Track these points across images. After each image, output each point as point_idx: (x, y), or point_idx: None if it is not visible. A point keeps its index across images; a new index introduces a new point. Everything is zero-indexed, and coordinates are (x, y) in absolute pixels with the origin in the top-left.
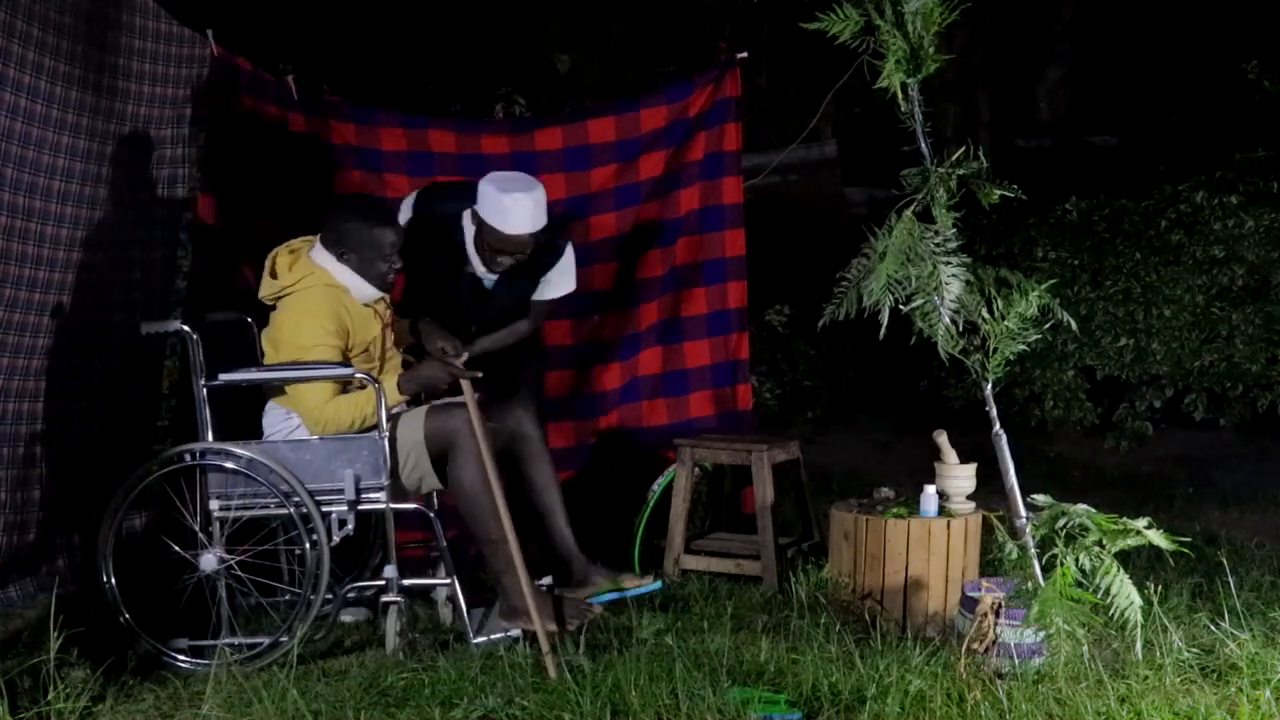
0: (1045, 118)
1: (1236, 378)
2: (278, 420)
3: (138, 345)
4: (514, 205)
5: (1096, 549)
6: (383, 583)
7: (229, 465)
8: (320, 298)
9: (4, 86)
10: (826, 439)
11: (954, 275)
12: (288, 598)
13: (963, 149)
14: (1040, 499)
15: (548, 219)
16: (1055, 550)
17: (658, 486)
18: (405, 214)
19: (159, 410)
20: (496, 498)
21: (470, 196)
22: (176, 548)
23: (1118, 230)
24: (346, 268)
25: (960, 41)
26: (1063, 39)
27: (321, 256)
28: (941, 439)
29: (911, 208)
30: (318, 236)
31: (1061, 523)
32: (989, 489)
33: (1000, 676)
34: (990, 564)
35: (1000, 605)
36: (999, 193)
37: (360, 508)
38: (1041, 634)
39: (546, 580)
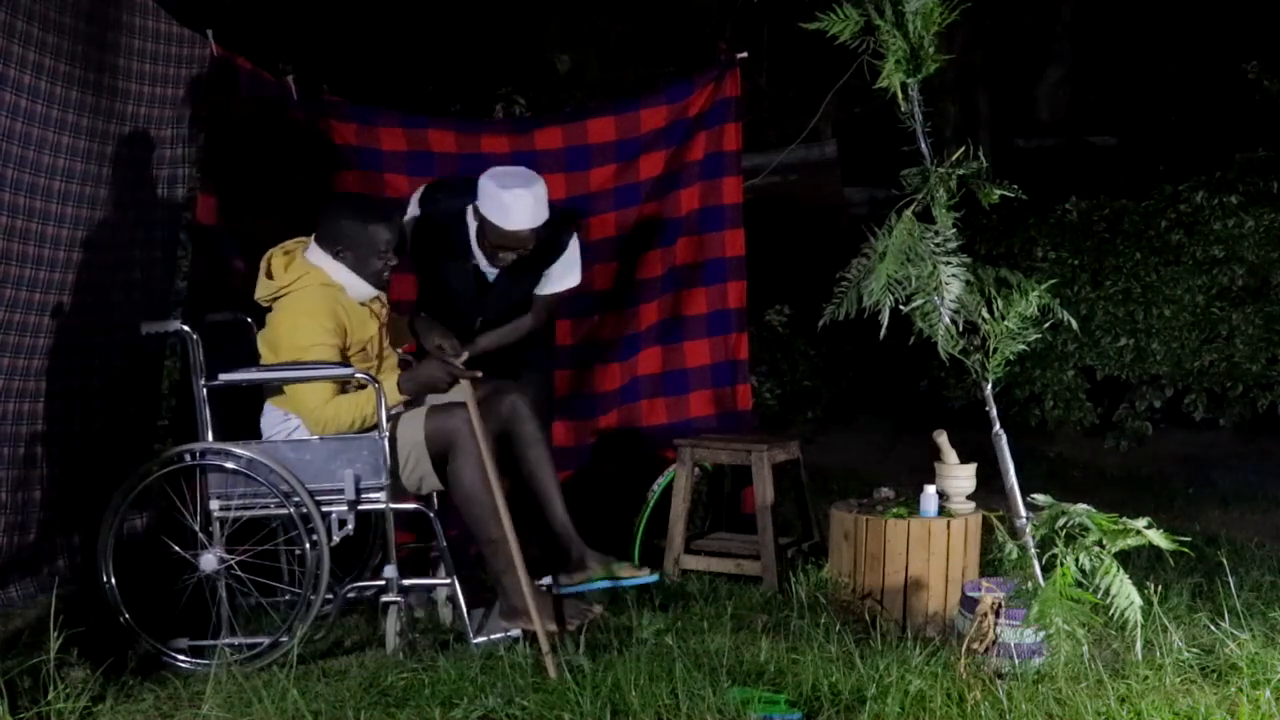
0: (1045, 118)
1: (1236, 378)
2: (276, 421)
3: (138, 345)
4: (514, 201)
5: (1096, 549)
6: (383, 583)
7: (229, 465)
8: (317, 297)
9: (4, 86)
10: (826, 439)
11: (954, 275)
12: (288, 598)
13: (963, 149)
14: (1040, 499)
15: (550, 213)
16: (1055, 550)
17: (658, 486)
18: (413, 210)
19: (159, 410)
20: (496, 498)
21: (474, 192)
22: (176, 548)
23: (1118, 230)
24: (342, 266)
25: (960, 41)
26: (1063, 39)
27: (317, 256)
28: (941, 439)
29: (911, 208)
30: (312, 236)
31: (1061, 523)
32: (989, 489)
33: (1000, 676)
34: (990, 564)
35: (1000, 605)
36: (999, 193)
37: (360, 508)
38: (1041, 634)
39: (546, 580)
